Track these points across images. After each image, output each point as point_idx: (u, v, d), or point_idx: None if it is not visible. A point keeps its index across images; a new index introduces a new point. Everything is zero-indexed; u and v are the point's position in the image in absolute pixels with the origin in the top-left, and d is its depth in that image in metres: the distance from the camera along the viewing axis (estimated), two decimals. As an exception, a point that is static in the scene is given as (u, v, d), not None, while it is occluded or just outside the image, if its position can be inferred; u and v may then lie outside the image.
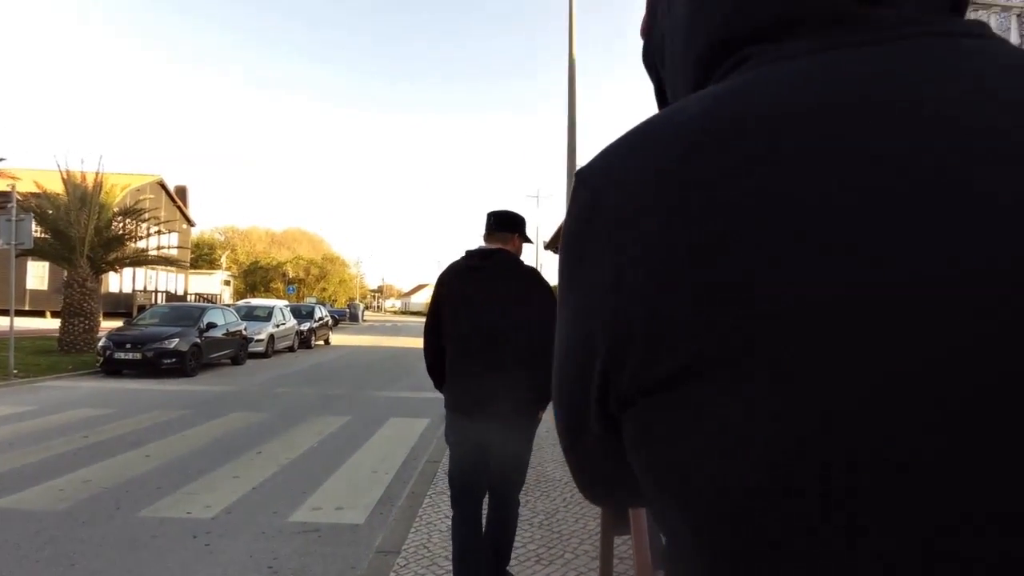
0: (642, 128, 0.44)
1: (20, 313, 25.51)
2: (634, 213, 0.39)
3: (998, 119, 0.35)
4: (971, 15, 7.61)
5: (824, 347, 0.33)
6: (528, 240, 3.37)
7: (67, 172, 17.27)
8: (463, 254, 3.21)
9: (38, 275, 33.57)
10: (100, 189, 17.47)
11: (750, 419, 0.34)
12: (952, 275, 0.32)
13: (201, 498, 5.23)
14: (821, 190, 0.35)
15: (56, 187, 17.53)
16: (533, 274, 3.20)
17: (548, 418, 6.56)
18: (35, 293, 33.69)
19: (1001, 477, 0.31)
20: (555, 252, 15.74)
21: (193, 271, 48.99)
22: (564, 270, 0.45)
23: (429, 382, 3.31)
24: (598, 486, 0.54)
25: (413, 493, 5.30)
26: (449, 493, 3.18)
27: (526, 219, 3.31)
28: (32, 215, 14.09)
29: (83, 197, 16.97)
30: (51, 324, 25.07)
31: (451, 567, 3.67)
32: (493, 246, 3.18)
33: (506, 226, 3.22)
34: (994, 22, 7.59)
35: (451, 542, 3.17)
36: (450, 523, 3.19)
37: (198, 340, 14.23)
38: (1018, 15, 7.63)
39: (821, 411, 0.32)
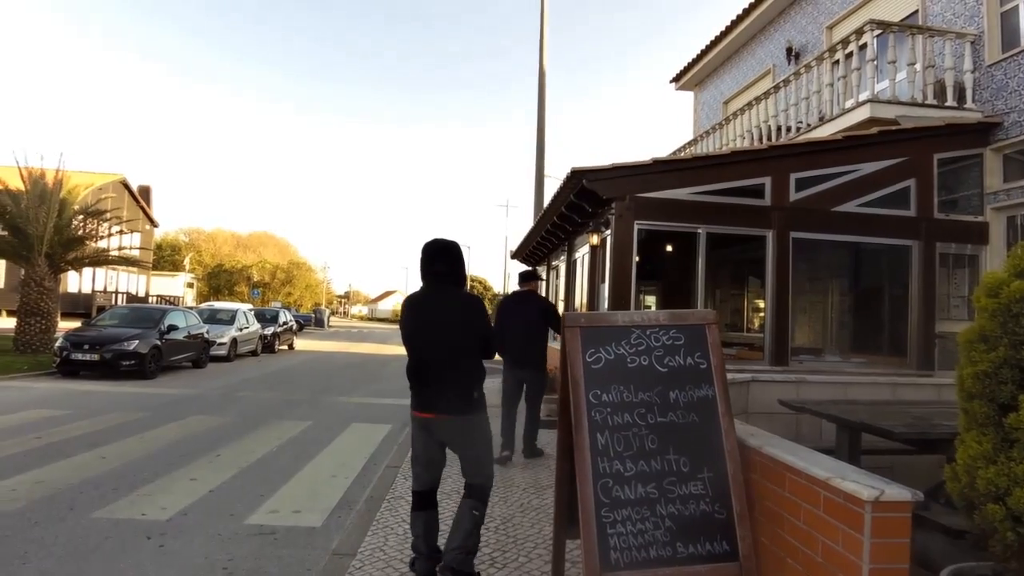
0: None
1: (-28, 311, 24.74)
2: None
3: (439, 307, 3.70)
4: (928, 41, 7.98)
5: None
6: (539, 278, 7.49)
7: (27, 168, 16.88)
8: (512, 292, 7.30)
9: (-8, 272, 32.63)
10: (61, 187, 17.11)
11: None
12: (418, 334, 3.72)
13: (156, 500, 5.21)
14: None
15: (14, 183, 17.11)
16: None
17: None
18: (-11, 291, 32.72)
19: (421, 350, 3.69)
20: (521, 261, 16.01)
21: (155, 273, 48.05)
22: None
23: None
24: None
25: (372, 497, 5.34)
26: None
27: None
28: (-11, 211, 13.76)
29: (43, 194, 16.60)
30: (6, 323, 24.39)
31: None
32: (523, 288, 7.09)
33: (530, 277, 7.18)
34: (948, 48, 7.99)
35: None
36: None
37: (158, 342, 14.01)
38: (972, 42, 8.02)
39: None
